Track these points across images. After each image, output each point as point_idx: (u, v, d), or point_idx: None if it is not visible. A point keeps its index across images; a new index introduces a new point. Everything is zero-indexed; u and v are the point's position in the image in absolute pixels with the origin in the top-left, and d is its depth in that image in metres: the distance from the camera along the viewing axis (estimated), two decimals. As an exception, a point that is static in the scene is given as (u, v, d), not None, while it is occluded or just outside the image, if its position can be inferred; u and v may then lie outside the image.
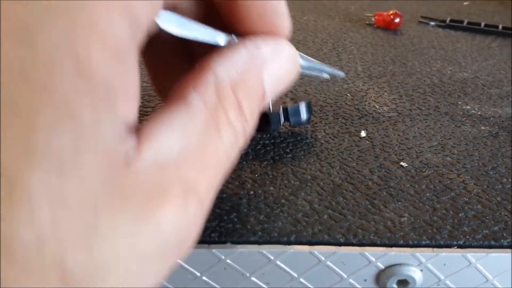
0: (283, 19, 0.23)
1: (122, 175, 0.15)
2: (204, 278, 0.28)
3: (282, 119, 0.34)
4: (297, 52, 0.25)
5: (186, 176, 0.17)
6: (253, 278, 0.28)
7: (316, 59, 0.47)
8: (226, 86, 0.20)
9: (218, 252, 0.27)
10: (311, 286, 0.29)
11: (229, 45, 0.22)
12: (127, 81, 0.15)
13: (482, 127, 0.38)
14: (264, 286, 0.29)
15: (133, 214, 0.15)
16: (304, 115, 0.35)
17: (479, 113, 0.40)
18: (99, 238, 0.15)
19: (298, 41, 0.52)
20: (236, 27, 0.23)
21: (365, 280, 0.28)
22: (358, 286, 0.29)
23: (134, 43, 0.15)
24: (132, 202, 0.15)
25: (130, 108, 0.16)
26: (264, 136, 0.35)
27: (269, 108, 0.34)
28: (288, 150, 0.34)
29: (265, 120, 0.34)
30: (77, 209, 0.14)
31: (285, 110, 0.34)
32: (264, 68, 0.22)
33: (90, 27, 0.14)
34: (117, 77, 0.15)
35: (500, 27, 0.56)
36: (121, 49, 0.15)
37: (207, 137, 0.18)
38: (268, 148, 0.34)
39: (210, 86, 0.19)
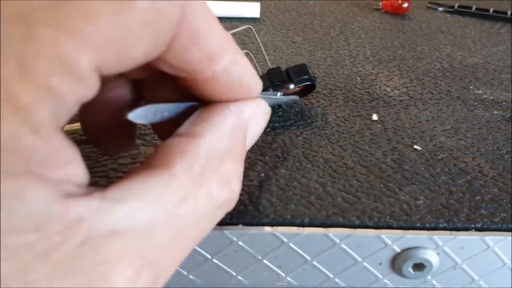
0: (255, 88, 0.23)
1: (61, 242, 0.15)
2: (215, 260, 0.27)
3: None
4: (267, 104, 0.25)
5: (144, 249, 0.17)
6: (265, 261, 0.28)
7: (324, 43, 0.46)
8: (217, 156, 0.20)
9: (230, 233, 0.26)
10: (324, 270, 0.28)
11: (212, 108, 0.22)
12: (48, 150, 0.15)
13: (495, 112, 0.37)
14: (276, 269, 0.28)
15: (71, 282, 0.15)
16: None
17: (491, 97, 0.39)
18: None
19: (305, 25, 0.51)
20: (207, 99, 0.22)
21: (380, 264, 0.28)
22: (372, 269, 0.28)
23: (54, 119, 0.15)
24: (72, 270, 0.15)
25: (62, 175, 0.15)
26: (273, 118, 0.35)
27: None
28: (298, 133, 0.33)
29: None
30: (3, 282, 0.14)
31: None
32: (247, 130, 0.22)
33: (12, 105, 0.14)
34: (37, 150, 0.14)
35: (509, 13, 0.55)
36: (41, 125, 0.14)
37: (179, 209, 0.18)
38: (278, 130, 0.33)
39: (199, 156, 0.19)
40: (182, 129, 0.21)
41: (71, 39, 0.14)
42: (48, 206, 0.14)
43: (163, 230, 0.17)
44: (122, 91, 0.23)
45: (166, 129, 0.23)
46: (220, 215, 0.20)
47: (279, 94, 0.34)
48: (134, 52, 0.16)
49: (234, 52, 0.20)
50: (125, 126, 0.24)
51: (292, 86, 0.34)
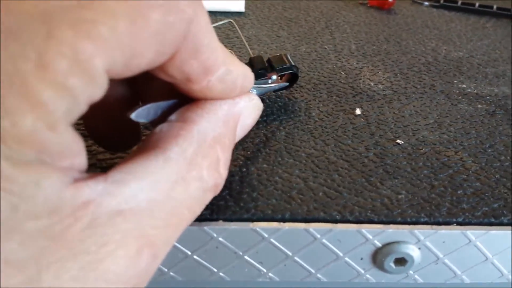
0: (248, 87, 0.25)
1: (71, 225, 0.16)
2: (195, 257, 0.27)
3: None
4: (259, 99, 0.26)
5: (145, 229, 0.18)
6: (246, 257, 0.27)
7: (309, 38, 0.46)
8: (208, 142, 0.21)
9: (210, 229, 0.26)
10: (306, 265, 0.28)
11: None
12: (61, 143, 0.16)
13: (479, 106, 0.37)
14: (257, 265, 0.28)
15: (79, 262, 0.16)
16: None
17: (475, 91, 0.39)
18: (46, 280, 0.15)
19: (290, 19, 0.50)
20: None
21: (362, 259, 0.28)
22: (354, 264, 0.28)
23: (68, 116, 0.16)
24: (80, 250, 0.16)
25: (68, 163, 0.16)
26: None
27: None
28: (281, 128, 0.33)
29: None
30: (19, 266, 0.15)
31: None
32: (238, 121, 0.24)
33: (31, 101, 0.14)
34: (52, 144, 0.15)
35: (495, 7, 0.55)
36: (56, 122, 0.15)
37: (174, 191, 0.19)
38: (261, 125, 0.33)
39: (192, 141, 0.20)
40: (175, 115, 0.22)
41: (90, 42, 0.15)
42: (60, 192, 0.16)
43: (161, 210, 0.18)
44: (121, 90, 0.24)
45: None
46: (209, 198, 0.21)
47: (270, 81, 0.34)
48: (141, 59, 0.17)
49: (228, 62, 0.22)
50: (127, 123, 0.25)
51: (274, 76, 0.34)
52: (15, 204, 0.14)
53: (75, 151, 0.16)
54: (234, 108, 0.23)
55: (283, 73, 0.34)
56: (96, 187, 0.17)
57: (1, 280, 0.14)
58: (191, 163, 0.20)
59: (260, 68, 0.34)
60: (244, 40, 0.37)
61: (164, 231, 0.18)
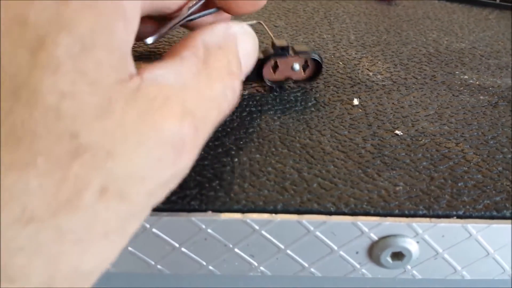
0: None
1: (128, 81, 0.17)
2: (183, 249, 0.26)
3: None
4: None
5: (184, 99, 0.19)
6: (236, 250, 0.26)
7: (307, 28, 0.45)
8: (216, 46, 0.22)
9: (198, 221, 0.25)
10: (299, 259, 0.27)
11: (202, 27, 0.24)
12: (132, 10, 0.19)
13: (481, 97, 0.36)
14: (248, 258, 0.27)
15: (139, 115, 0.17)
16: None
17: (477, 83, 0.38)
18: (111, 121, 0.16)
19: (288, 10, 0.49)
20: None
21: (357, 253, 0.26)
22: (349, 258, 0.27)
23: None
24: (138, 105, 0.17)
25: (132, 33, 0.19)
26: (250, 103, 0.33)
27: None
28: (275, 118, 0.32)
29: None
30: (95, 87, 0.16)
31: None
32: (237, 42, 0.24)
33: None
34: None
35: (498, -1, 0.54)
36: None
37: (199, 81, 0.20)
38: (255, 115, 0.32)
39: (200, 46, 0.22)
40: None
41: None
42: (128, 47, 0.18)
43: (191, 91, 0.19)
44: None
45: None
46: (231, 98, 0.22)
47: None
48: None
49: None
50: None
51: (297, 66, 0.33)
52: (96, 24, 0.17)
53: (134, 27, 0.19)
54: (229, 30, 0.24)
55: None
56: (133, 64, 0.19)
57: (76, 94, 0.16)
58: (205, 62, 0.21)
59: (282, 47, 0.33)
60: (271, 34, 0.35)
61: (200, 107, 0.19)
